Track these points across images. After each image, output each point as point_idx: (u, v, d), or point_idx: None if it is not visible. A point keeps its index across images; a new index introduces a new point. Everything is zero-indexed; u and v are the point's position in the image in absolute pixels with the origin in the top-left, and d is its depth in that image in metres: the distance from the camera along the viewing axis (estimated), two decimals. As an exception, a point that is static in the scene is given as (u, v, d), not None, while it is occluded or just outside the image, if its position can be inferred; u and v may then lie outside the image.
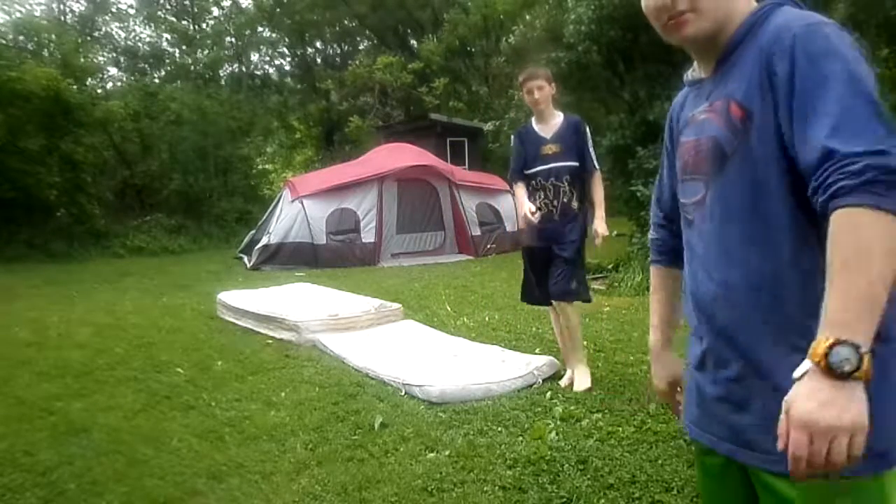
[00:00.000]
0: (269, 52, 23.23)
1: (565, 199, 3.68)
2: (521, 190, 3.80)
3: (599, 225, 3.69)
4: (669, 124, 1.34)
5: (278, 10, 20.85)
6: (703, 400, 1.19)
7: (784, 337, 1.02)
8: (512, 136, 3.97)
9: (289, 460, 2.93)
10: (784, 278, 1.03)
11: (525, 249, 4.00)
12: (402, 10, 20.53)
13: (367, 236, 10.69)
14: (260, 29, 21.68)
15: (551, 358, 4.07)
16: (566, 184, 3.66)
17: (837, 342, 0.85)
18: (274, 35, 22.21)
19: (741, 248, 1.08)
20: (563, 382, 3.80)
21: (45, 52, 14.40)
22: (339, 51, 23.32)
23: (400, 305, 5.83)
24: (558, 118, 3.73)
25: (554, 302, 3.78)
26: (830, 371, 0.85)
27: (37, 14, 16.78)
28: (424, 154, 11.98)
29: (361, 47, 22.93)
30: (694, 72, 1.27)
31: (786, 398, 0.90)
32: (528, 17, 17.97)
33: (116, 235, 13.29)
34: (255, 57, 23.07)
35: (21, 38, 13.89)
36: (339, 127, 20.44)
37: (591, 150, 3.74)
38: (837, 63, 0.96)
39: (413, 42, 21.59)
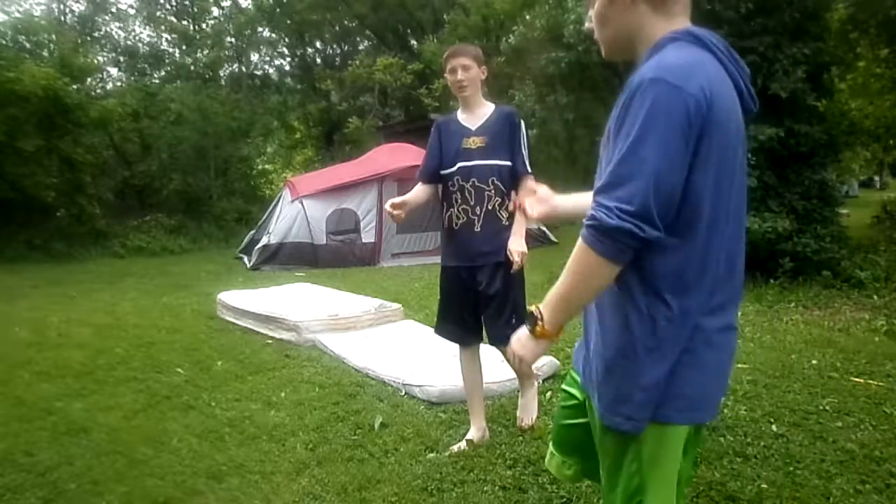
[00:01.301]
0: (269, 52, 23.20)
1: (490, 206, 2.91)
2: (414, 192, 3.18)
3: (515, 242, 2.86)
4: None
5: (278, 10, 20.83)
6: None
7: (610, 304, 1.37)
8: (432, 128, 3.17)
9: (289, 460, 2.93)
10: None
11: (444, 269, 3.12)
12: (402, 10, 20.50)
13: (367, 236, 10.68)
14: (260, 29, 21.65)
15: (551, 358, 4.07)
16: (492, 186, 2.91)
17: (533, 310, 1.34)
18: (274, 35, 22.18)
19: None
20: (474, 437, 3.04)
21: (45, 53, 14.38)
22: (339, 51, 23.29)
23: (400, 305, 5.83)
24: (487, 108, 3.03)
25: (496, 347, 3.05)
26: (528, 326, 1.35)
27: (36, 14, 16.76)
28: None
29: (361, 47, 22.90)
30: None
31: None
32: (528, 17, 17.96)
33: (116, 235, 13.28)
34: (255, 57, 23.03)
35: (21, 38, 13.86)
36: (339, 127, 20.41)
37: (525, 148, 2.97)
38: (633, 123, 1.17)
39: (413, 42, 21.57)
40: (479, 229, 2.93)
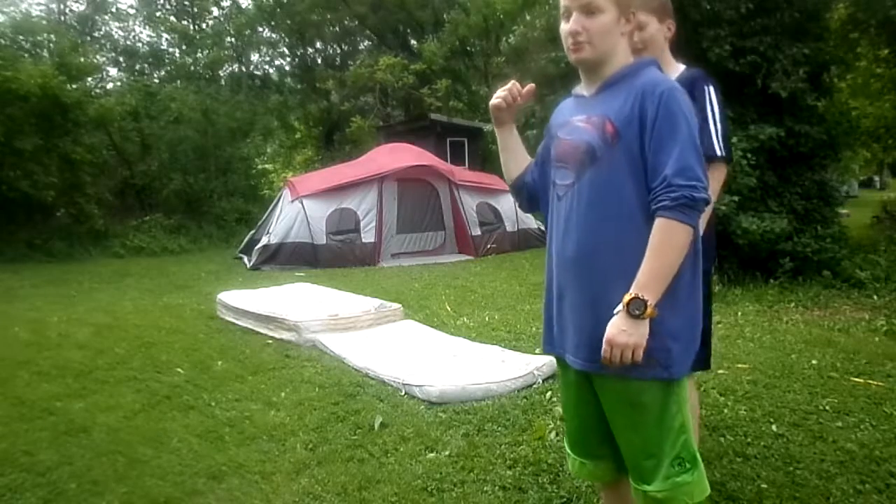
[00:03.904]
0: (269, 52, 23.22)
1: None
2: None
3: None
4: (551, 121, 1.81)
5: (278, 10, 20.83)
6: (561, 326, 1.70)
7: (620, 284, 1.51)
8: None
9: (289, 460, 2.93)
10: (626, 247, 1.54)
11: None
12: (402, 10, 20.50)
13: (367, 236, 10.69)
14: (260, 29, 21.66)
15: (551, 358, 4.06)
16: None
17: (635, 297, 1.46)
18: (274, 35, 22.19)
19: (601, 223, 1.58)
20: None
21: (45, 53, 14.38)
22: (339, 51, 23.30)
23: (400, 305, 5.83)
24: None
25: None
26: (629, 313, 1.46)
27: (35, 14, 16.76)
28: (424, 154, 11.98)
29: (361, 47, 22.90)
30: (580, 88, 1.73)
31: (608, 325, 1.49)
32: (528, 17, 17.96)
33: (116, 235, 13.27)
34: (255, 57, 23.06)
35: (20, 37, 13.85)
36: (340, 127, 20.42)
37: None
38: (683, 122, 1.51)
39: (413, 42, 21.57)
40: None
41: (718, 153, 2.18)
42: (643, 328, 1.47)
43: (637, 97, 1.54)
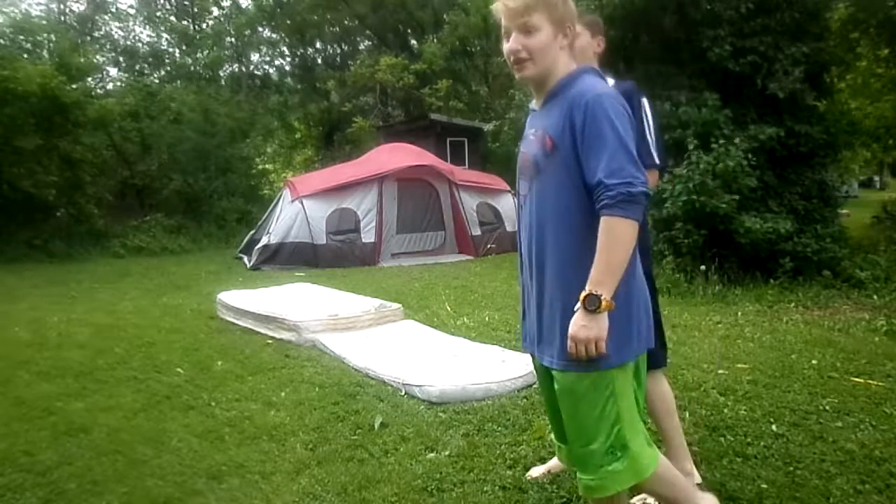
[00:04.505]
0: (269, 52, 23.20)
1: None
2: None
3: None
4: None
5: (278, 10, 20.83)
6: (528, 322, 1.86)
7: (557, 284, 1.70)
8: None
9: (289, 460, 2.93)
10: (563, 249, 1.69)
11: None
12: (402, 10, 20.49)
13: (367, 236, 10.69)
14: (260, 29, 21.65)
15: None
16: None
17: (590, 293, 1.57)
18: (274, 35, 22.18)
19: (543, 228, 1.72)
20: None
21: (45, 53, 14.38)
22: (339, 51, 23.29)
23: (400, 305, 5.83)
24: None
25: None
26: (586, 308, 1.57)
27: (35, 14, 16.75)
28: (424, 154, 11.98)
29: (362, 47, 22.89)
30: (534, 103, 1.86)
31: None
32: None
33: (116, 235, 13.26)
34: (255, 57, 23.05)
35: (20, 37, 13.84)
36: (340, 127, 20.41)
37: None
38: (609, 126, 1.60)
39: (413, 42, 21.57)
40: None
41: (657, 162, 2.36)
42: (602, 321, 1.59)
43: (567, 108, 1.65)
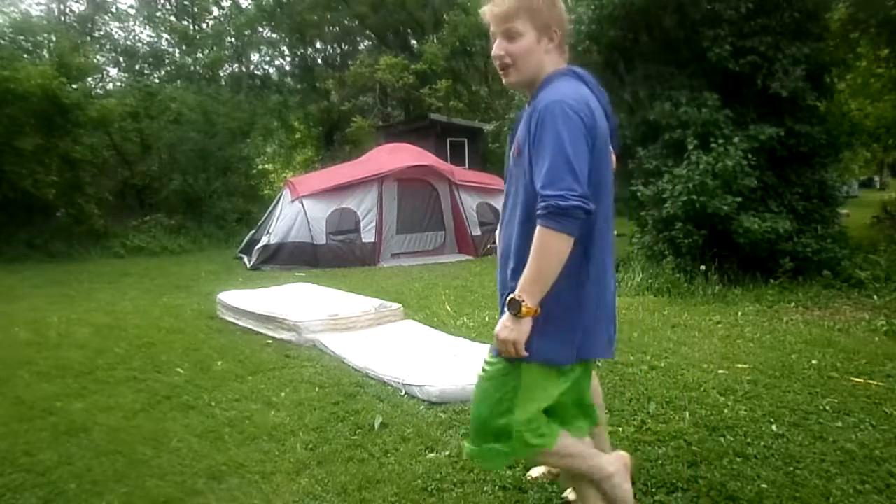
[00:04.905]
0: (269, 52, 23.21)
1: None
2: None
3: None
4: None
5: (278, 10, 20.83)
6: None
7: (507, 285, 1.76)
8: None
9: (289, 460, 2.93)
10: (516, 251, 1.75)
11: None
12: (402, 10, 20.49)
13: (367, 236, 10.69)
14: (260, 29, 21.65)
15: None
16: None
17: (513, 298, 1.64)
18: (274, 35, 22.18)
19: (505, 231, 1.80)
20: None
21: (45, 53, 14.37)
22: (339, 51, 23.29)
23: (400, 305, 5.83)
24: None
25: None
26: (509, 311, 1.65)
27: (35, 14, 16.76)
28: (424, 154, 11.98)
29: (362, 47, 22.90)
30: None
31: None
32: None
33: (116, 235, 13.26)
34: (255, 57, 23.05)
35: (19, 38, 13.83)
36: (340, 127, 20.41)
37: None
38: (553, 135, 1.60)
39: (413, 42, 21.57)
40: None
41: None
42: (523, 325, 1.65)
43: (530, 114, 1.69)
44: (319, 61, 23.21)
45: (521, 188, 1.73)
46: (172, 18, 20.64)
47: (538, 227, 1.60)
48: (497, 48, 1.74)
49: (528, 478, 2.65)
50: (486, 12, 1.75)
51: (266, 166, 21.70)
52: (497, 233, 2.02)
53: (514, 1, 1.71)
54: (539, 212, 1.60)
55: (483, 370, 1.85)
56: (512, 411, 1.76)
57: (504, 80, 1.79)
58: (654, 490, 2.53)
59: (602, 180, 1.74)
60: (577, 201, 1.57)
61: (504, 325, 1.67)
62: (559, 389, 1.80)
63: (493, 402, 1.79)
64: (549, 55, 1.75)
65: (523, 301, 1.62)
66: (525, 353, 1.68)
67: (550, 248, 1.60)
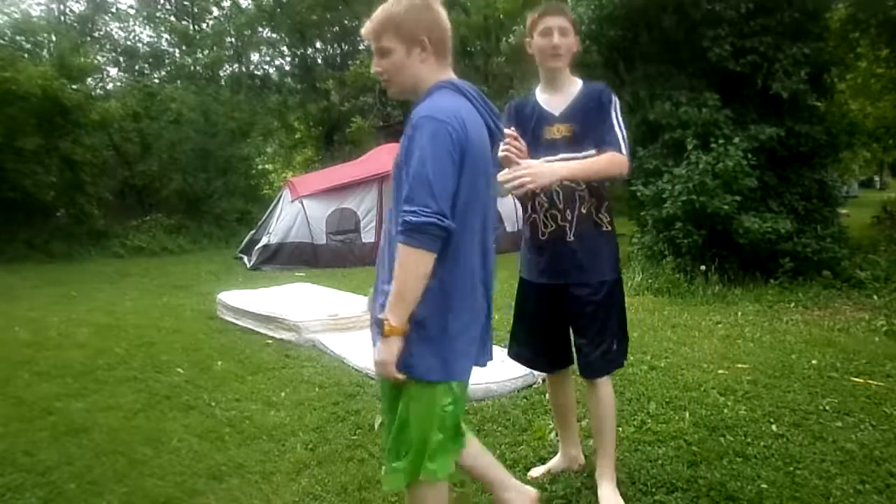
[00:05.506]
0: (269, 52, 23.20)
1: (584, 210, 2.37)
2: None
3: (558, 167, 2.24)
4: None
5: (278, 10, 20.82)
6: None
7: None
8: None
9: (289, 460, 2.93)
10: (389, 257, 1.71)
11: (525, 285, 2.55)
12: (402, 10, 20.49)
13: (367, 236, 10.68)
14: (260, 29, 21.64)
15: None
16: (584, 186, 2.35)
17: (379, 318, 1.64)
18: (274, 35, 22.18)
19: (392, 241, 1.69)
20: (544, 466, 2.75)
21: (45, 53, 14.37)
22: (339, 51, 23.27)
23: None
24: (574, 86, 2.44)
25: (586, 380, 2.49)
26: (380, 332, 1.63)
27: (35, 14, 16.75)
28: (424, 154, 11.96)
29: (361, 47, 22.85)
30: None
31: None
32: (528, 16, 17.86)
33: (116, 235, 13.28)
34: (255, 57, 23.04)
35: (19, 38, 13.84)
36: (340, 127, 20.40)
37: (621, 129, 2.36)
38: (417, 153, 1.60)
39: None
40: (572, 239, 2.36)
41: (624, 152, 2.31)
42: (390, 345, 1.63)
43: (407, 127, 1.69)
44: (319, 61, 23.18)
45: (395, 203, 1.72)
46: (172, 18, 20.64)
47: (398, 245, 1.61)
48: (374, 65, 1.78)
49: (529, 478, 2.65)
50: (363, 30, 1.80)
51: (266, 166, 21.71)
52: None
53: (380, 18, 1.74)
54: (398, 228, 1.61)
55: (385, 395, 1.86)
56: (407, 427, 1.77)
57: (388, 93, 1.84)
58: (653, 490, 2.53)
59: (473, 197, 1.70)
60: (432, 218, 1.56)
61: (376, 346, 1.67)
62: (440, 407, 1.78)
63: (393, 422, 1.81)
64: (425, 64, 1.74)
65: (386, 320, 1.61)
66: (396, 374, 1.65)
67: (408, 265, 1.59)
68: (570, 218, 2.36)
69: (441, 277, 1.66)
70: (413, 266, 1.59)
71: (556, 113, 2.39)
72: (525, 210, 2.49)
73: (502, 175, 2.13)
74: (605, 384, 2.44)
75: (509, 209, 11.50)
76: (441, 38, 1.75)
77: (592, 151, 2.31)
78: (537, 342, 2.55)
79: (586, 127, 2.35)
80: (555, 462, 2.74)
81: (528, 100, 2.50)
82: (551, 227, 2.38)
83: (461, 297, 1.72)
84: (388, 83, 1.78)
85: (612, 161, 2.28)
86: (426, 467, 1.74)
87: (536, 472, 2.69)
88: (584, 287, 2.37)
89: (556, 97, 2.42)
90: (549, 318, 2.49)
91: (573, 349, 2.53)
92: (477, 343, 1.82)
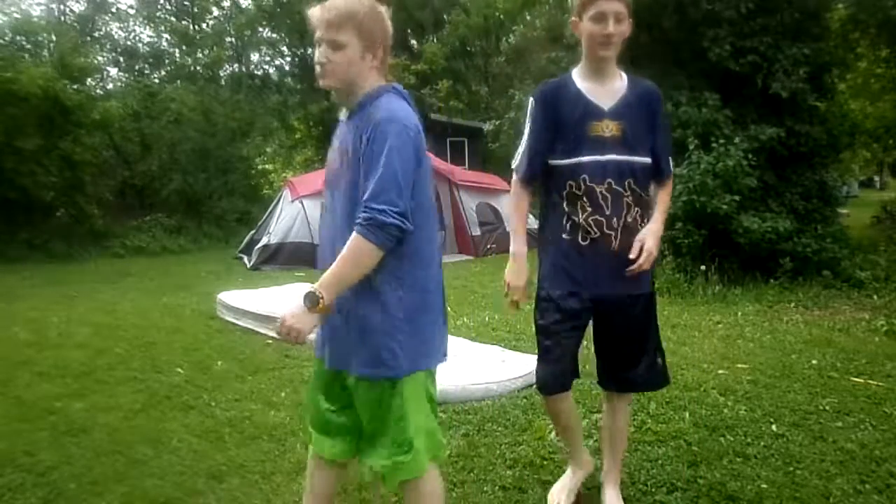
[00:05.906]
0: (269, 52, 23.20)
1: (630, 218, 2.18)
2: (522, 203, 2.42)
3: (649, 238, 2.14)
4: None
5: (278, 10, 20.82)
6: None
7: (348, 295, 1.78)
8: (531, 100, 2.29)
9: (289, 460, 2.93)
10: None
11: (556, 299, 2.26)
12: (402, 11, 20.47)
13: (367, 236, 10.66)
14: (260, 29, 21.64)
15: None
16: (630, 192, 2.17)
17: (312, 291, 1.68)
18: (274, 35, 22.17)
19: (339, 240, 1.73)
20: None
21: (45, 53, 14.37)
22: (339, 51, 23.26)
23: (400, 305, 5.81)
24: (622, 81, 2.24)
25: (618, 394, 2.42)
26: (305, 304, 1.69)
27: (35, 14, 16.75)
28: (424, 154, 11.96)
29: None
30: (341, 113, 1.91)
31: None
32: (528, 17, 17.95)
33: (116, 235, 13.26)
34: (255, 57, 23.04)
35: (19, 38, 13.84)
36: (340, 127, 20.33)
37: (668, 141, 2.32)
38: (386, 153, 1.64)
39: (413, 42, 21.57)
40: (616, 247, 2.16)
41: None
42: (312, 319, 1.71)
43: (362, 126, 1.71)
44: (319, 61, 23.17)
45: (350, 198, 1.74)
46: (172, 18, 20.64)
47: (354, 234, 1.65)
48: (320, 55, 1.75)
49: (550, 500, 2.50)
50: (314, 16, 1.74)
51: (266, 166, 21.70)
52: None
53: (344, 11, 1.70)
54: (358, 220, 1.65)
55: (363, 397, 1.87)
56: (405, 419, 1.82)
57: (321, 82, 1.80)
58: (654, 490, 2.53)
59: (427, 198, 1.80)
60: (397, 220, 1.63)
61: (292, 313, 1.70)
62: (426, 395, 1.91)
63: (387, 421, 1.85)
64: (371, 71, 1.78)
65: (321, 297, 1.67)
66: (303, 341, 1.73)
67: (361, 256, 1.66)
68: (616, 226, 2.16)
69: (418, 274, 1.78)
70: (365, 258, 1.67)
71: (606, 108, 2.17)
72: (558, 214, 2.26)
73: None
74: (629, 397, 2.48)
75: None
76: (388, 49, 1.81)
77: (648, 160, 2.20)
78: (566, 357, 2.29)
79: (636, 130, 2.18)
80: (575, 478, 2.51)
81: (568, 87, 2.22)
82: (594, 233, 2.17)
83: (436, 290, 1.89)
84: (328, 75, 1.76)
85: (669, 193, 2.33)
86: (440, 441, 1.89)
87: (564, 499, 2.45)
88: (627, 298, 2.24)
89: (604, 89, 2.20)
90: (575, 332, 2.28)
91: (579, 362, 2.35)
92: (442, 328, 1.98)
